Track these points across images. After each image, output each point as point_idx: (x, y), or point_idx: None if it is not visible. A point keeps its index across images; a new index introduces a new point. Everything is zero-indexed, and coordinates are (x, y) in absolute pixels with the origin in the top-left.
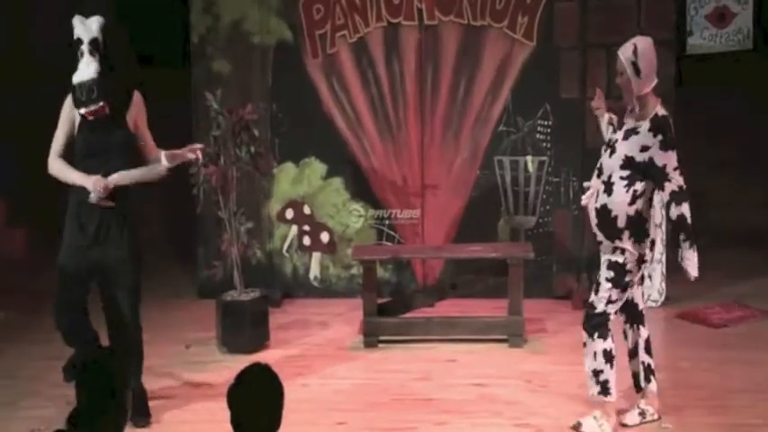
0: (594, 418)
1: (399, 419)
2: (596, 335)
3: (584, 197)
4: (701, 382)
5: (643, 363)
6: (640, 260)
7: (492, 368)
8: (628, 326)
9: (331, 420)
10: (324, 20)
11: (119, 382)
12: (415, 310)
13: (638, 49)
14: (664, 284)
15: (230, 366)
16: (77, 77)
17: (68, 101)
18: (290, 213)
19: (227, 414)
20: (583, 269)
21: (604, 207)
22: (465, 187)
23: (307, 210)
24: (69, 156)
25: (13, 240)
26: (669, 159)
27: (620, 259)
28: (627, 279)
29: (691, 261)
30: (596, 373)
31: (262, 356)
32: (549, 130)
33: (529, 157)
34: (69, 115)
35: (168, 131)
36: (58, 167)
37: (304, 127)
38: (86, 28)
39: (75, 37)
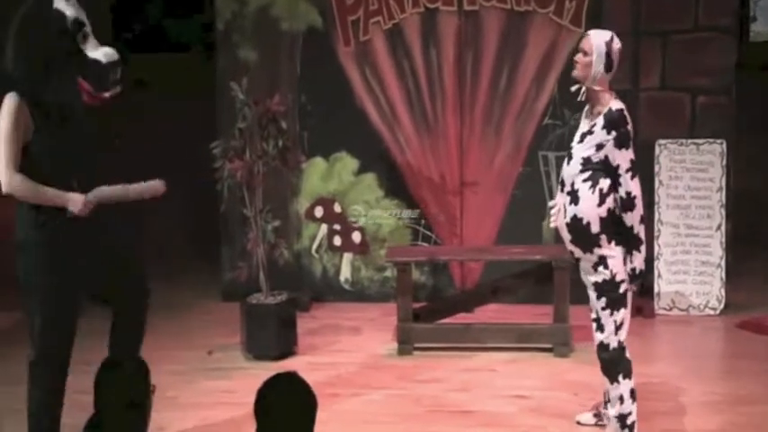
0: None
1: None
2: (621, 376)
3: (552, 219)
4: (764, 396)
5: None
6: (634, 273)
7: (535, 379)
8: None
9: None
10: (357, 5)
11: (139, 387)
12: (452, 316)
13: (612, 44)
14: (723, 291)
15: (256, 374)
16: (103, 56)
17: (16, 100)
18: (319, 211)
19: (252, 425)
20: None
21: (574, 218)
22: (507, 185)
23: (337, 208)
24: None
25: None
26: (623, 159)
27: (607, 275)
28: (622, 291)
29: (622, 272)
30: (623, 417)
31: (289, 364)
32: None
33: None
34: (22, 117)
35: (192, 123)
36: (26, 186)
37: (335, 119)
38: (78, 10)
39: (71, 20)
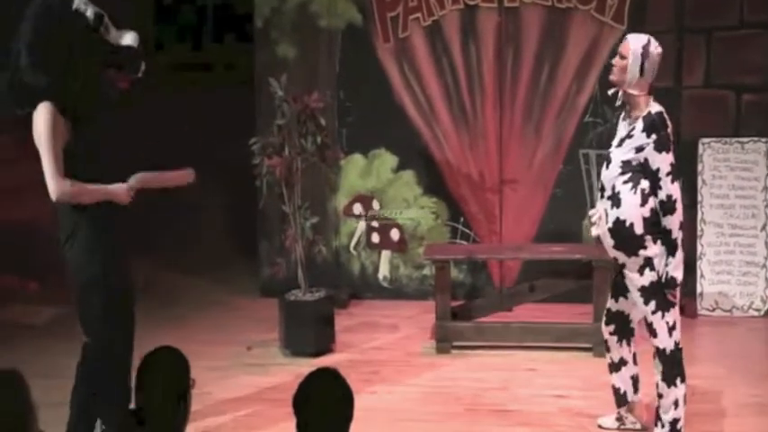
0: None
1: (474, 431)
2: (678, 380)
3: (593, 228)
4: None
5: (632, 377)
6: (671, 281)
7: (575, 379)
8: (614, 339)
9: (401, 430)
10: (396, 2)
11: (179, 382)
12: (491, 315)
13: (649, 47)
14: (767, 291)
15: (293, 370)
16: (132, 41)
17: (50, 108)
18: (357, 208)
19: (291, 420)
20: None
21: (617, 221)
22: (547, 183)
23: (376, 205)
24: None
25: None
26: (663, 162)
27: (653, 277)
28: (668, 294)
29: (661, 277)
30: (675, 422)
31: (326, 360)
32: None
33: None
34: (58, 124)
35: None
36: (74, 190)
37: (373, 116)
38: (92, 5)
39: (92, 16)
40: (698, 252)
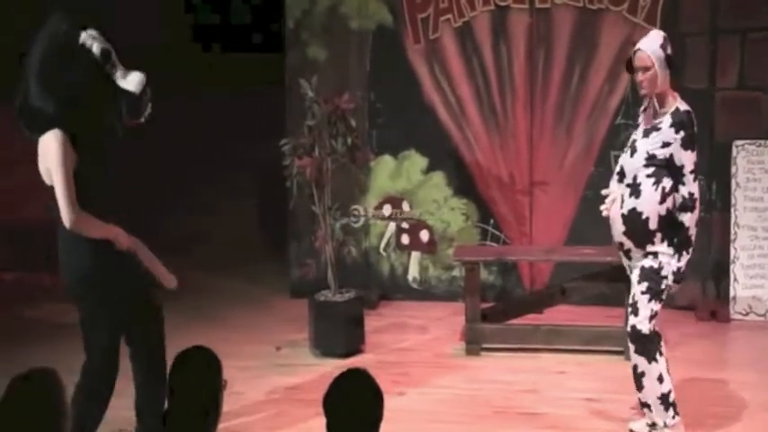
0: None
1: None
2: (657, 354)
3: (604, 206)
4: None
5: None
6: (678, 273)
7: (605, 382)
8: None
9: None
10: (426, 3)
11: (211, 382)
12: (521, 317)
13: (666, 41)
14: None
15: (323, 370)
16: (134, 86)
17: (59, 135)
18: (387, 209)
19: (321, 420)
20: (709, 277)
21: (633, 211)
22: (578, 184)
23: (405, 206)
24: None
25: None
26: (687, 160)
27: (655, 264)
28: (663, 286)
29: (669, 270)
30: (665, 397)
31: (356, 361)
32: None
33: None
34: (68, 151)
35: (262, 120)
36: (89, 222)
37: (403, 117)
38: (102, 40)
39: (98, 52)
40: (731, 256)
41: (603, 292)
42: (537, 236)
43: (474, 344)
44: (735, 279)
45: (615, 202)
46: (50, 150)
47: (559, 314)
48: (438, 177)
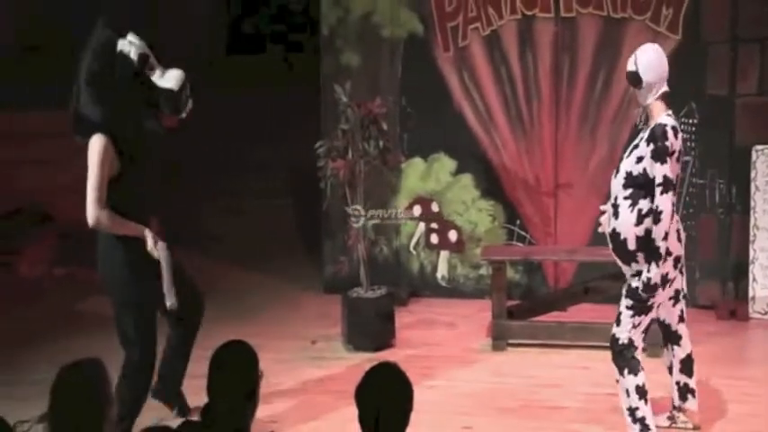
0: None
1: (528, 427)
2: (626, 371)
3: (601, 221)
4: None
5: (678, 383)
6: (664, 280)
7: None
8: (662, 345)
9: (457, 424)
10: (456, 12)
11: (249, 374)
12: (546, 314)
13: (638, 60)
14: None
15: (355, 364)
16: (173, 83)
17: (102, 140)
18: (417, 210)
19: (353, 411)
20: (729, 278)
21: (614, 231)
22: (601, 187)
23: (435, 207)
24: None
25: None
26: (658, 172)
27: (640, 286)
28: (649, 303)
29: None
30: (632, 410)
31: (387, 355)
32: (693, 129)
33: None
34: (108, 155)
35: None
36: (111, 221)
37: (433, 122)
38: (139, 44)
39: (136, 58)
40: (750, 257)
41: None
42: (561, 236)
43: (500, 340)
44: (754, 279)
45: (607, 221)
46: (92, 152)
47: (583, 312)
48: (466, 179)
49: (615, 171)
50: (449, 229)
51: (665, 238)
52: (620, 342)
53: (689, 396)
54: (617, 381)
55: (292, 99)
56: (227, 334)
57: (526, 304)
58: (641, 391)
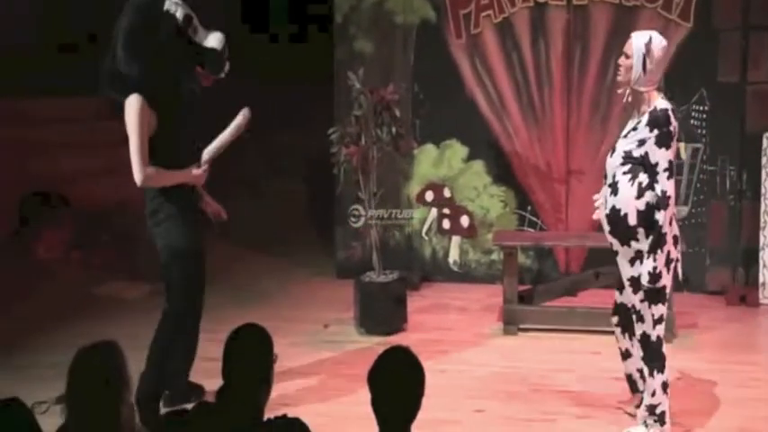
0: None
1: (539, 410)
2: (656, 371)
3: (595, 212)
4: None
5: (639, 369)
6: (668, 261)
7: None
8: (619, 330)
9: (469, 408)
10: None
11: (264, 357)
12: (556, 299)
13: (651, 44)
14: None
15: (368, 347)
16: (217, 43)
17: (139, 100)
18: (429, 195)
19: (366, 394)
20: (739, 264)
21: (613, 208)
22: None
23: (447, 192)
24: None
25: None
26: (662, 157)
27: (646, 276)
28: (660, 285)
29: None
30: (652, 407)
31: (399, 339)
32: (704, 116)
33: (682, 144)
34: (146, 115)
35: (311, 110)
36: (157, 176)
37: (446, 108)
38: (183, 5)
39: (181, 18)
40: (761, 243)
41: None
42: (572, 222)
43: (511, 324)
44: (764, 265)
45: (603, 206)
46: (129, 113)
47: (593, 297)
48: (478, 166)
49: (611, 151)
50: (461, 214)
51: (671, 223)
52: (653, 338)
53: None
54: (642, 378)
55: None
56: (242, 317)
57: (537, 289)
58: (665, 387)
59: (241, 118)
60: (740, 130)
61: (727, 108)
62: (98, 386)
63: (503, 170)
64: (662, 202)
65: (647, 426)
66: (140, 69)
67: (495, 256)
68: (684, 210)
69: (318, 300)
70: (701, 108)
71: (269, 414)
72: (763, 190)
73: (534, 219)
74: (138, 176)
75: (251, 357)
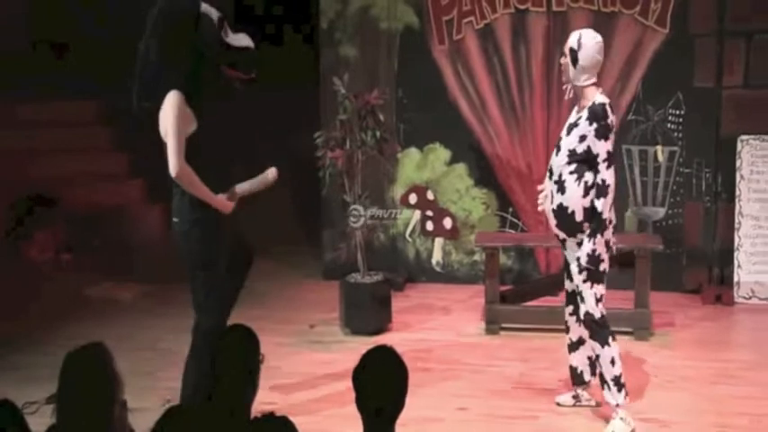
0: (621, 419)
1: (521, 407)
2: (610, 339)
3: (539, 201)
4: None
5: (590, 357)
6: (607, 245)
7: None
8: (573, 319)
9: (452, 406)
10: (450, 6)
11: (250, 356)
12: (538, 299)
13: (581, 40)
14: None
15: (353, 347)
16: (247, 42)
17: (178, 96)
18: (413, 198)
19: (350, 393)
20: (714, 263)
21: (560, 206)
22: None
23: (430, 195)
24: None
25: (152, 216)
26: (601, 149)
27: (589, 250)
28: (602, 268)
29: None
30: (617, 378)
31: (383, 339)
32: (681, 120)
33: (659, 147)
34: (184, 111)
35: (296, 115)
36: (191, 177)
37: (429, 113)
38: (214, 9)
39: (217, 17)
40: (736, 243)
41: (614, 277)
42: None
43: (493, 324)
44: (739, 265)
45: (547, 198)
46: (168, 110)
47: None
48: (461, 168)
49: (556, 149)
50: (443, 216)
51: (611, 209)
52: (596, 317)
53: (595, 368)
54: (596, 356)
55: (292, 90)
56: (232, 317)
57: (518, 289)
58: (620, 356)
59: (270, 176)
60: (715, 134)
61: (702, 112)
62: (88, 386)
63: (485, 173)
64: (602, 190)
65: (622, 419)
66: (178, 70)
67: (477, 257)
68: (661, 211)
69: (305, 301)
70: (678, 112)
71: (256, 413)
72: (737, 192)
73: (515, 220)
74: (174, 168)
75: (238, 357)
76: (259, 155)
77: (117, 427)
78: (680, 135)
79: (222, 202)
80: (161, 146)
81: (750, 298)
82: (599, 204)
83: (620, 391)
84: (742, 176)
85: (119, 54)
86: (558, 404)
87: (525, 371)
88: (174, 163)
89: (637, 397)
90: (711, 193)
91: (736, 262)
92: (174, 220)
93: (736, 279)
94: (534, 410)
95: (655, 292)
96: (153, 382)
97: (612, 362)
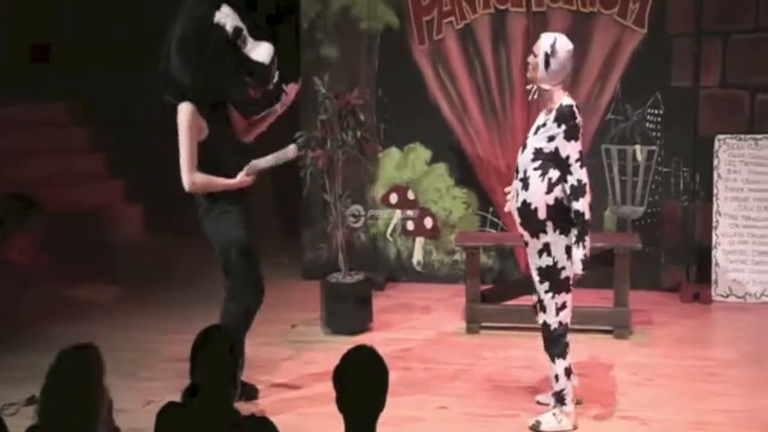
0: (554, 414)
1: (501, 406)
2: (556, 358)
3: (507, 199)
4: None
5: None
6: (567, 250)
7: (595, 359)
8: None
9: (433, 404)
10: (431, 6)
11: (230, 357)
12: (517, 298)
13: (555, 47)
14: None
15: (334, 347)
16: (265, 57)
17: (190, 107)
18: (394, 198)
19: (331, 393)
20: (693, 262)
21: (524, 203)
22: None
23: (411, 195)
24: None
25: (130, 217)
26: (572, 150)
27: (549, 261)
28: (563, 276)
29: (575, 258)
30: (558, 393)
31: (364, 338)
32: (659, 119)
33: (637, 146)
34: (196, 121)
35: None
36: (203, 181)
37: (409, 112)
38: (234, 16)
39: (231, 30)
40: (713, 242)
41: (594, 276)
42: None
43: (474, 323)
44: (716, 264)
45: (513, 198)
46: (181, 120)
47: None
48: (441, 168)
49: (522, 148)
50: (424, 216)
51: (591, 209)
52: (552, 328)
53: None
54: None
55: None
56: (210, 319)
57: (499, 288)
58: (568, 372)
59: (290, 153)
60: (693, 133)
61: (680, 111)
62: (80, 386)
63: (465, 172)
64: (580, 191)
65: (554, 415)
66: (192, 78)
67: (457, 257)
68: (640, 210)
69: (286, 301)
70: (656, 111)
71: (237, 413)
72: (715, 191)
73: (496, 220)
74: (186, 183)
75: (218, 358)
76: (242, 153)
77: (104, 426)
78: (658, 134)
79: (239, 181)
80: (141, 146)
81: (728, 296)
82: (579, 205)
83: (557, 402)
84: (719, 175)
85: (97, 54)
86: (539, 403)
87: (506, 369)
88: (185, 179)
89: (616, 395)
90: (689, 192)
91: (713, 260)
92: (201, 219)
93: (713, 277)
94: (515, 409)
95: (633, 290)
96: (133, 382)
97: (557, 377)
